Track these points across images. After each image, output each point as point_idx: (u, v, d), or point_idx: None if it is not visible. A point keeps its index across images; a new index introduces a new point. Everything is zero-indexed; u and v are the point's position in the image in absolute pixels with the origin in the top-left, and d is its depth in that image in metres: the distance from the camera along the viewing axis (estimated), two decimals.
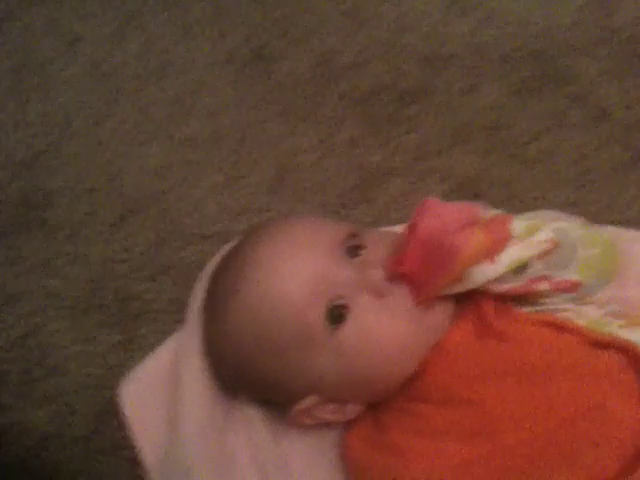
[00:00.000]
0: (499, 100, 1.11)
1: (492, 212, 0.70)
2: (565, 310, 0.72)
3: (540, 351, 0.69)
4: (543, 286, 0.70)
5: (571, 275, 0.70)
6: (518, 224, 0.68)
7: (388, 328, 0.68)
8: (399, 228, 0.90)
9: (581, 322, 0.72)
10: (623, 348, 0.68)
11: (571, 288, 0.71)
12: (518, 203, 0.97)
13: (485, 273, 0.67)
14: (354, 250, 0.72)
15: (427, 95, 1.13)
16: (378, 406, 0.75)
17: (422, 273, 0.66)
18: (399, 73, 1.17)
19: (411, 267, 0.66)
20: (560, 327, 0.70)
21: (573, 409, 0.65)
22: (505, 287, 0.69)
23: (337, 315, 0.68)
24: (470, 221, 0.66)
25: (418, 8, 1.26)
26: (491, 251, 0.66)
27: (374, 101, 1.13)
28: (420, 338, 0.70)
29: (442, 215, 0.65)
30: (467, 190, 1.00)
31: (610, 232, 0.84)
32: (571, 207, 0.96)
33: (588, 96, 1.09)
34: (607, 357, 0.69)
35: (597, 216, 0.94)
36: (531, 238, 0.67)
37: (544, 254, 0.68)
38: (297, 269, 0.69)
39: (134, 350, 0.89)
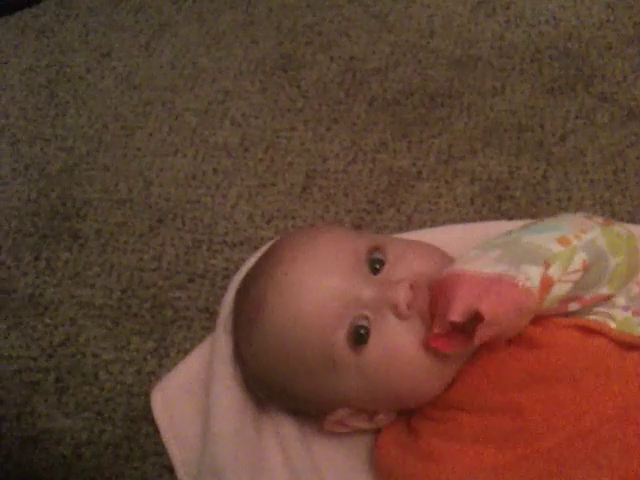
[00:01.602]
0: (528, 100, 1.10)
1: (533, 273, 0.66)
2: (596, 313, 0.71)
3: (571, 355, 0.67)
4: (573, 307, 0.68)
5: (601, 290, 0.69)
6: (556, 269, 0.64)
7: (412, 349, 0.67)
8: (425, 233, 0.91)
9: (611, 324, 0.71)
10: None
11: (602, 300, 0.70)
12: (545, 205, 0.96)
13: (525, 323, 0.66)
14: (377, 264, 0.71)
15: (456, 97, 1.12)
16: (410, 413, 0.74)
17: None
18: (428, 75, 1.17)
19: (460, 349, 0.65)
20: (590, 330, 0.69)
21: (606, 412, 0.63)
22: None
23: (360, 335, 0.67)
24: (527, 315, 0.64)
25: (447, 9, 1.26)
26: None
27: (403, 104, 1.13)
28: (449, 359, 0.68)
29: (501, 323, 0.62)
30: (496, 192, 0.99)
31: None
32: (603, 206, 0.95)
33: (617, 95, 1.08)
34: (637, 358, 0.67)
35: (629, 215, 0.94)
36: (566, 271, 0.65)
37: (577, 281, 0.66)
38: (320, 289, 0.68)
39: (167, 357, 0.89)
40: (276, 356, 0.71)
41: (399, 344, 0.67)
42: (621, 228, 0.72)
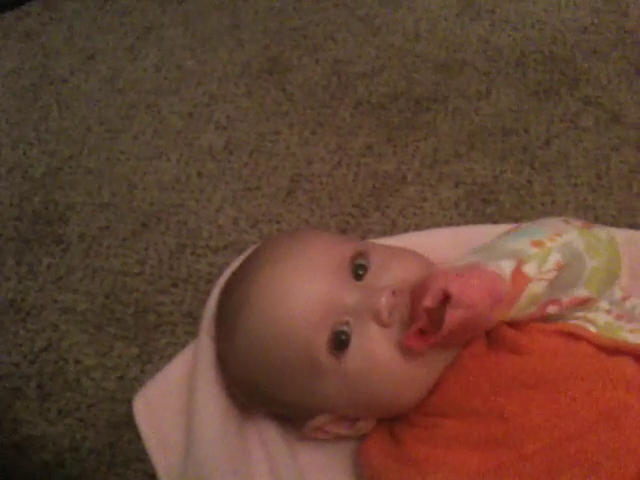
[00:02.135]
0: (513, 104, 1.10)
1: (505, 264, 0.65)
2: (576, 318, 0.71)
3: (555, 360, 0.67)
4: (552, 310, 0.69)
5: (580, 292, 0.69)
6: (531, 267, 0.65)
7: (394, 356, 0.66)
8: (410, 236, 0.91)
9: (593, 329, 0.71)
10: (635, 353, 0.67)
11: (581, 303, 0.70)
12: (530, 209, 0.96)
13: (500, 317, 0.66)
14: (360, 270, 0.71)
15: (442, 101, 1.13)
16: (394, 419, 0.74)
17: (443, 340, 0.65)
18: (414, 79, 1.17)
19: (433, 343, 0.64)
20: (573, 335, 0.69)
21: (590, 416, 0.63)
22: (515, 317, 0.68)
23: (340, 341, 0.67)
24: (498, 300, 0.63)
25: (432, 14, 1.27)
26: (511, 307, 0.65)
27: (389, 108, 1.13)
28: (430, 367, 0.68)
29: (471, 305, 0.62)
30: (481, 196, 0.99)
31: (624, 234, 0.83)
32: (586, 210, 0.95)
33: (602, 99, 1.08)
34: (621, 363, 0.67)
35: (613, 219, 0.94)
36: (540, 270, 0.65)
37: (552, 281, 0.66)
38: (302, 293, 0.68)
39: (150, 363, 0.89)
40: (257, 360, 0.70)
41: (379, 351, 0.67)
42: (602, 232, 0.72)
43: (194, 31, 1.30)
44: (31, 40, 1.32)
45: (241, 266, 0.77)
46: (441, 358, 0.68)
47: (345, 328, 0.67)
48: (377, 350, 0.67)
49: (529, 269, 0.65)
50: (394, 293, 0.66)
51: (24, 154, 1.13)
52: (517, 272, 0.64)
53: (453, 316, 0.62)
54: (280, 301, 0.68)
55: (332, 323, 0.67)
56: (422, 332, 0.65)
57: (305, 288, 0.68)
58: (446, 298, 0.62)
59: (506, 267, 0.64)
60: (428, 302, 0.63)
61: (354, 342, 0.67)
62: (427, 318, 0.64)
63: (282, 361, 0.69)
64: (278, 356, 0.69)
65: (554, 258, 0.66)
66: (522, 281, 0.64)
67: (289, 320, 0.68)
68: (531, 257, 0.66)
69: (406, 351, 0.66)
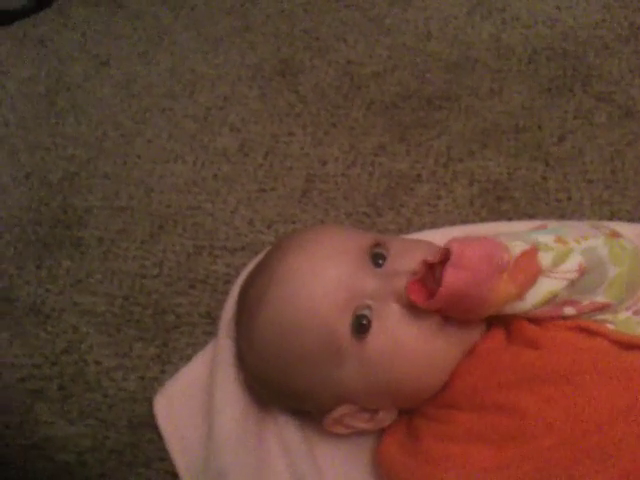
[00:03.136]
0: (526, 101, 1.10)
1: (517, 244, 0.66)
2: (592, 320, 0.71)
3: (572, 356, 0.67)
4: (569, 311, 0.68)
5: (598, 298, 0.69)
6: (545, 257, 0.65)
7: (415, 338, 0.67)
8: (425, 234, 0.91)
9: (611, 325, 0.71)
10: None
11: (599, 309, 0.70)
12: (545, 205, 0.96)
13: (514, 308, 0.66)
14: (379, 259, 0.71)
15: (454, 99, 1.13)
16: (411, 412, 0.74)
17: (449, 312, 0.66)
18: (426, 78, 1.17)
19: (437, 308, 0.65)
20: (591, 331, 0.69)
21: (607, 411, 0.63)
22: (532, 312, 0.68)
23: (362, 325, 0.68)
24: (498, 268, 0.63)
25: (443, 12, 1.27)
26: (520, 292, 0.65)
27: (401, 107, 1.13)
28: (450, 350, 0.69)
29: (470, 267, 0.63)
30: (496, 193, 0.99)
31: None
32: (602, 206, 0.95)
33: (615, 95, 1.08)
34: (639, 358, 0.67)
35: (628, 214, 0.94)
36: (560, 267, 0.66)
37: (572, 283, 0.66)
38: (323, 280, 0.69)
39: (170, 363, 0.89)
40: (278, 349, 0.71)
41: (400, 332, 0.67)
42: (628, 242, 0.72)
43: (206, 35, 1.31)
44: (45, 47, 1.34)
45: (261, 260, 0.78)
46: (460, 341, 0.69)
47: (366, 312, 0.68)
48: (398, 332, 0.67)
49: (543, 259, 0.65)
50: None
51: (41, 159, 1.14)
52: (529, 255, 0.65)
53: (450, 274, 0.63)
54: (300, 288, 0.69)
55: (353, 307, 0.68)
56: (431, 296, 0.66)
57: (325, 274, 0.69)
58: (448, 257, 0.64)
59: (517, 246, 0.65)
60: (430, 257, 0.65)
61: (375, 325, 0.68)
62: (427, 271, 0.66)
63: (303, 348, 0.69)
64: (299, 343, 0.69)
65: (576, 259, 0.66)
66: (533, 266, 0.65)
67: (310, 306, 0.68)
68: (549, 248, 0.66)
69: (429, 331, 0.67)
